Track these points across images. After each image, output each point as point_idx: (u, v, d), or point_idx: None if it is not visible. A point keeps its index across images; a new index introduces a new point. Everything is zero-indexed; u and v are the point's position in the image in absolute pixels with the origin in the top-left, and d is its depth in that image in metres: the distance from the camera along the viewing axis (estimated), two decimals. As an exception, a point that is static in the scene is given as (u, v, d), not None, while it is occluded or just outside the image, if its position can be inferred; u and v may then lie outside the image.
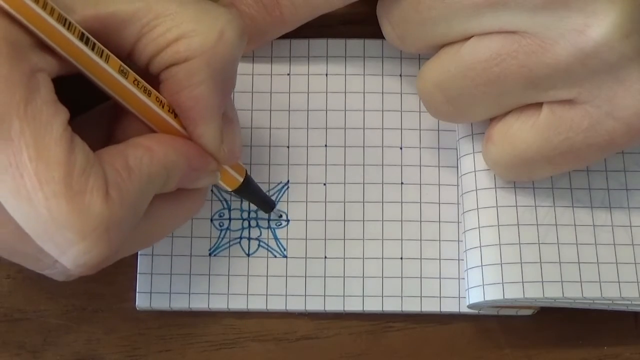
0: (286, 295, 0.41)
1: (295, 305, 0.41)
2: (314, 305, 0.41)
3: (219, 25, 0.32)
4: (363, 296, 0.41)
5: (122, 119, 0.34)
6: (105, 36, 0.32)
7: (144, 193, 0.32)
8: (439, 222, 0.42)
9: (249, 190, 0.39)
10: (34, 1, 0.29)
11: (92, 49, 0.31)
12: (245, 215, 0.42)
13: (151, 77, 0.33)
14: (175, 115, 0.34)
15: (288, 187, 0.42)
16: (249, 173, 0.38)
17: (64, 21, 0.30)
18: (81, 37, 0.30)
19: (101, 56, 0.31)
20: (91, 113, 0.35)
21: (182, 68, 0.32)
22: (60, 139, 0.29)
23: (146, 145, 0.32)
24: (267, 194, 0.42)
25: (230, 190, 0.38)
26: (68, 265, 0.31)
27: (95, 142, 0.34)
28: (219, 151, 0.34)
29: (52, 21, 0.29)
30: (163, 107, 0.33)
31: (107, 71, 0.31)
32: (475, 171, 0.40)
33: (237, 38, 0.33)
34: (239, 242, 0.42)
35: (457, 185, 0.42)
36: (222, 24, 0.33)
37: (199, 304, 0.41)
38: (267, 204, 0.41)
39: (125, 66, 0.32)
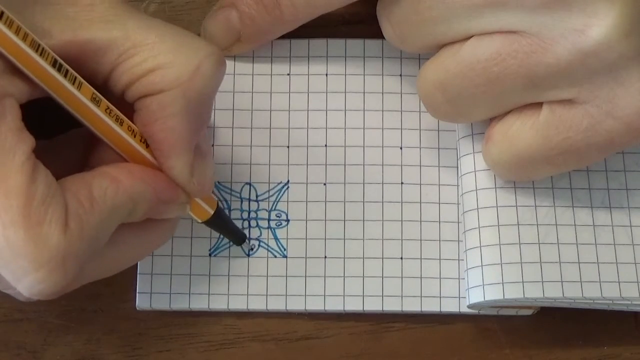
0: (286, 295, 0.41)
1: (295, 305, 0.41)
2: (314, 305, 0.41)
3: (197, 58, 0.32)
4: (363, 296, 0.41)
5: (98, 143, 0.34)
6: (82, 61, 0.32)
7: (106, 224, 0.32)
8: (439, 222, 0.42)
9: (219, 222, 0.39)
10: (6, 26, 0.28)
11: (65, 76, 0.31)
12: (245, 215, 0.42)
13: (127, 105, 0.33)
14: (147, 145, 0.33)
15: (288, 187, 0.42)
16: (220, 205, 0.38)
17: (37, 47, 0.29)
18: (54, 63, 0.30)
19: (73, 83, 0.31)
20: (70, 133, 0.35)
21: (155, 99, 0.32)
22: (21, 168, 0.29)
23: (113, 175, 0.32)
24: (240, 226, 0.41)
25: (200, 221, 0.38)
26: (23, 292, 0.31)
27: (72, 162, 0.34)
28: (189, 184, 0.34)
29: (24, 46, 0.29)
30: (135, 136, 0.33)
31: (78, 98, 0.31)
32: (475, 171, 0.40)
33: (214, 73, 0.33)
34: (239, 242, 0.42)
35: (457, 185, 0.42)
36: (200, 57, 0.32)
37: (199, 304, 0.41)
38: (238, 237, 0.41)
39: (98, 94, 0.32)
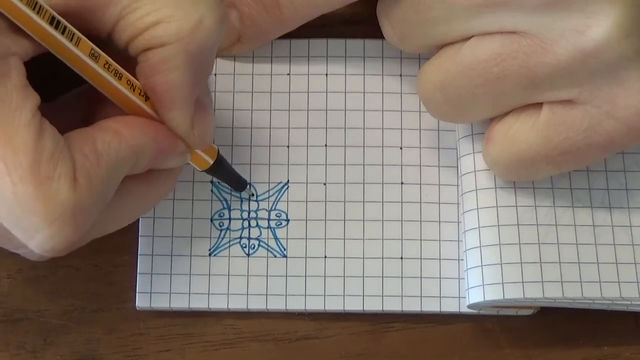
0: (286, 295, 0.41)
1: (295, 305, 0.41)
2: (314, 304, 0.41)
3: (199, 12, 0.32)
4: (363, 296, 0.41)
5: (101, 101, 0.34)
6: (85, 17, 0.32)
7: (112, 177, 0.32)
8: (439, 222, 0.42)
9: (220, 170, 0.39)
10: None
11: (63, 33, 0.31)
12: (245, 215, 0.42)
13: (132, 59, 0.33)
14: (147, 99, 0.34)
15: (288, 187, 0.42)
16: (221, 154, 0.38)
17: (34, 5, 0.29)
18: (51, 20, 0.30)
19: (71, 40, 0.31)
20: (74, 93, 0.35)
21: (157, 53, 0.32)
22: (28, 125, 0.29)
23: (115, 128, 0.32)
24: (240, 174, 0.41)
25: (200, 170, 0.38)
26: (36, 250, 0.31)
27: (73, 123, 0.34)
28: (189, 136, 0.34)
29: (20, 5, 0.29)
30: (134, 90, 0.33)
31: (77, 55, 0.31)
32: (475, 171, 0.40)
33: (215, 26, 0.33)
34: (239, 242, 0.42)
35: (457, 185, 0.42)
36: (202, 11, 0.32)
37: (199, 304, 0.41)
38: (239, 184, 0.41)
39: (96, 49, 0.32)
